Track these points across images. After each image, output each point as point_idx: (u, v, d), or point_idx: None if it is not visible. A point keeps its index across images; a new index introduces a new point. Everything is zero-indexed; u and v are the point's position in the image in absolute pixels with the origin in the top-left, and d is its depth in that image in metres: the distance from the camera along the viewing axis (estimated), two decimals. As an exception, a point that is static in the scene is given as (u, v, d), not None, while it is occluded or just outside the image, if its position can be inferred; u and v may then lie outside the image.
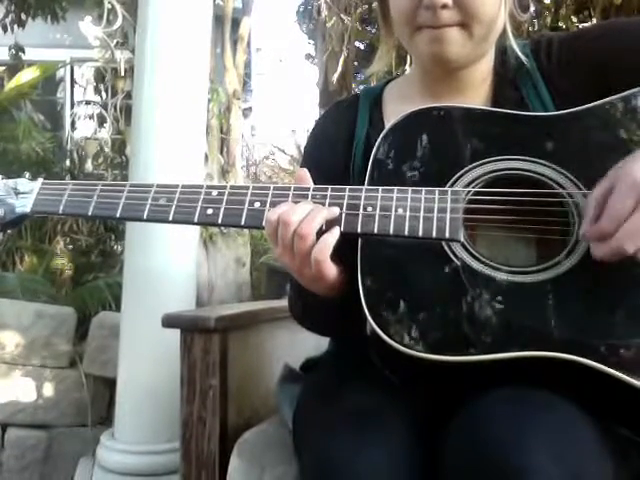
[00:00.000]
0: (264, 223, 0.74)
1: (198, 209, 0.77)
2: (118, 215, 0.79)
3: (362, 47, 4.34)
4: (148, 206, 0.78)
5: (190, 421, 1.07)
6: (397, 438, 0.69)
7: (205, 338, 1.06)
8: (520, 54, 0.85)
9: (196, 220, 0.77)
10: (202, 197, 0.77)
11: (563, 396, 0.64)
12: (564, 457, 0.58)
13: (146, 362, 1.67)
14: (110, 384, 2.04)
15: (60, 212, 0.82)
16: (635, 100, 0.73)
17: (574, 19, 2.64)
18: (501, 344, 0.65)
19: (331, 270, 0.72)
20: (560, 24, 2.59)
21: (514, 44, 0.84)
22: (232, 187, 0.77)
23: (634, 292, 0.66)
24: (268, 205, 0.75)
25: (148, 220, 0.78)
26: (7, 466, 2.07)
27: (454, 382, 0.70)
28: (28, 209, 0.83)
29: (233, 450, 0.98)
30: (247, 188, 0.77)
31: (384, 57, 0.88)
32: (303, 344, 1.15)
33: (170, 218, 0.77)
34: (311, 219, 0.70)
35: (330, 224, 0.72)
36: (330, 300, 0.78)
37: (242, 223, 0.75)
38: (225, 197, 0.76)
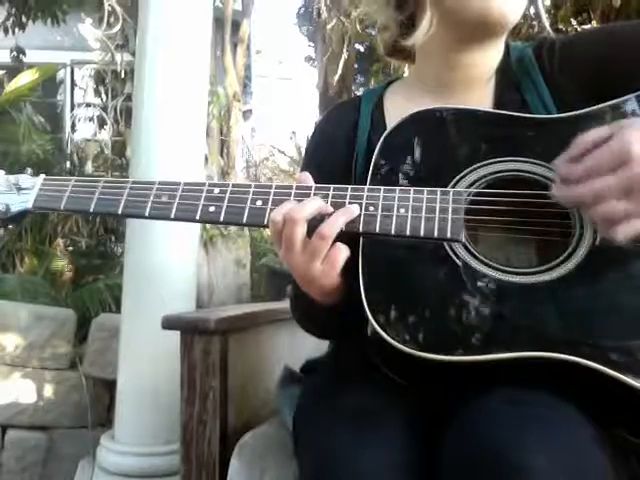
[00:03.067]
0: (266, 221, 0.74)
1: (200, 207, 0.77)
2: (120, 212, 0.79)
3: (362, 49, 4.34)
4: (150, 203, 0.78)
5: (190, 423, 1.06)
6: (397, 439, 0.69)
7: (205, 340, 1.06)
8: (523, 56, 0.85)
9: (198, 218, 0.77)
10: (204, 195, 0.77)
11: (563, 396, 0.64)
12: (563, 457, 0.58)
13: (146, 364, 1.67)
14: (110, 386, 2.05)
15: (62, 208, 0.81)
16: (636, 103, 0.74)
17: (573, 21, 2.64)
18: (501, 344, 0.65)
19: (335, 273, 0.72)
20: (559, 26, 2.59)
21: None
22: (234, 185, 0.77)
23: (634, 294, 0.66)
24: (270, 203, 0.75)
25: (150, 217, 0.78)
26: (7, 467, 2.07)
27: (454, 382, 0.70)
28: (30, 205, 0.82)
29: (233, 452, 0.98)
30: (249, 186, 0.77)
31: (429, 27, 0.85)
32: (303, 346, 1.15)
33: (172, 215, 0.77)
34: (334, 222, 0.71)
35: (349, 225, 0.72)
36: (330, 302, 0.78)
37: (244, 221, 0.75)
38: (227, 195, 0.77)
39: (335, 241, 0.71)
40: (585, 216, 0.67)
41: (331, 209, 0.73)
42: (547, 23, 0.94)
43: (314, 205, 0.72)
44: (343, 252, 0.71)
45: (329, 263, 0.71)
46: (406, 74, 1.10)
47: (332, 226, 0.70)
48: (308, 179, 0.76)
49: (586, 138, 0.65)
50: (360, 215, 0.72)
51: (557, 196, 0.65)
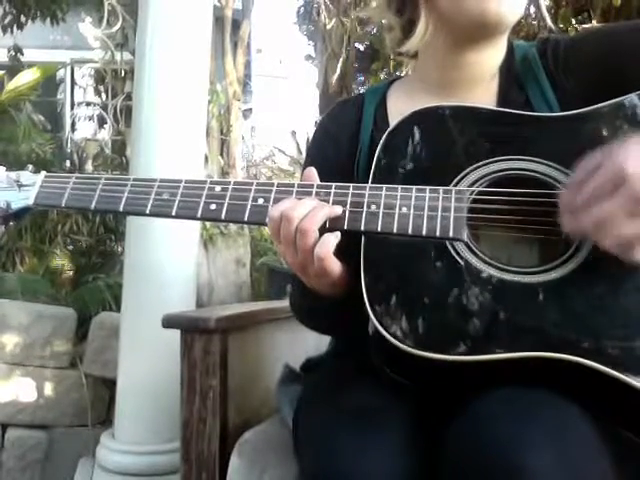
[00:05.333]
0: (267, 219, 0.74)
1: (201, 204, 0.76)
2: (121, 209, 0.79)
3: (362, 48, 4.34)
4: (151, 200, 0.78)
5: (190, 421, 1.06)
6: (398, 438, 0.69)
7: (205, 338, 1.06)
8: (526, 55, 0.85)
9: (199, 215, 0.77)
10: (205, 192, 0.77)
11: (563, 396, 0.64)
12: (564, 457, 0.58)
13: (146, 362, 1.67)
14: (110, 384, 2.04)
15: (63, 205, 0.81)
16: (638, 102, 0.74)
17: (573, 21, 2.64)
18: (502, 344, 0.65)
19: (334, 266, 0.72)
20: (559, 25, 2.59)
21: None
22: (236, 183, 0.77)
23: (635, 294, 0.66)
24: (272, 201, 0.75)
25: (151, 214, 0.78)
26: (7, 466, 2.06)
27: (455, 382, 0.70)
28: (31, 201, 0.82)
29: (233, 450, 0.98)
30: (251, 184, 0.77)
31: (424, 33, 0.86)
32: (303, 344, 1.15)
33: (173, 213, 0.77)
34: (313, 215, 0.71)
35: (333, 222, 0.72)
36: (332, 299, 0.78)
37: (245, 219, 0.75)
38: (229, 193, 0.76)
39: (338, 242, 0.71)
40: (600, 246, 0.65)
41: (328, 207, 0.73)
42: (549, 21, 0.94)
43: (312, 203, 0.72)
44: (330, 242, 0.70)
45: (318, 258, 0.71)
46: (410, 73, 1.09)
47: (311, 220, 0.70)
48: (314, 175, 0.76)
49: (582, 167, 0.64)
50: (362, 213, 0.72)
51: (564, 228, 0.65)
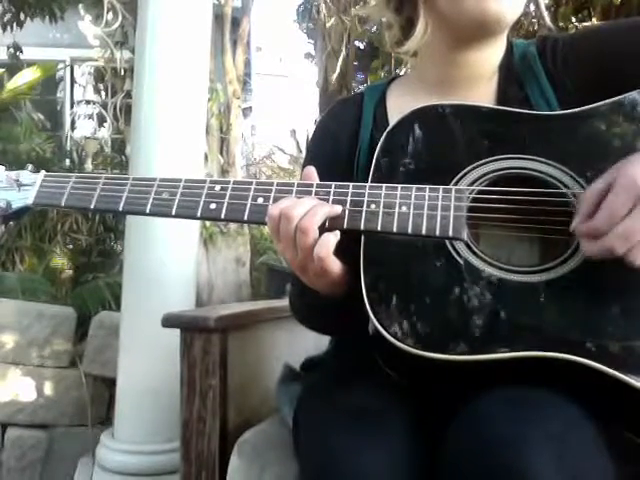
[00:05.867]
0: (266, 218, 0.73)
1: (201, 203, 0.76)
2: (121, 209, 0.79)
3: (362, 46, 4.34)
4: (151, 200, 0.78)
5: (190, 421, 1.06)
6: (397, 438, 0.68)
7: (205, 338, 1.06)
8: (526, 53, 0.85)
9: (199, 215, 0.77)
10: (205, 192, 0.77)
11: (564, 396, 0.64)
12: (564, 457, 0.58)
13: (146, 362, 1.67)
14: (110, 384, 2.05)
15: (62, 205, 0.81)
16: (638, 100, 0.73)
17: (573, 19, 2.63)
18: (502, 344, 0.65)
19: (334, 265, 0.72)
20: (559, 24, 2.59)
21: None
22: (235, 182, 0.77)
23: (635, 294, 0.66)
24: (271, 201, 0.75)
25: (151, 214, 0.78)
26: (7, 466, 2.07)
27: (455, 382, 0.70)
28: (30, 201, 0.82)
29: (233, 450, 0.98)
30: (250, 183, 0.77)
31: (423, 32, 0.86)
32: (303, 344, 1.15)
33: (173, 212, 0.77)
34: (313, 214, 0.70)
35: (333, 221, 0.72)
36: (332, 298, 0.78)
37: (245, 218, 0.75)
38: (228, 192, 0.76)
39: (338, 241, 0.71)
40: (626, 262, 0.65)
41: (328, 206, 0.72)
42: (548, 19, 0.93)
43: (311, 202, 0.72)
44: (330, 242, 0.70)
45: (318, 257, 0.70)
46: (409, 71, 1.09)
47: (311, 219, 0.70)
48: (313, 174, 0.76)
49: (591, 191, 0.65)
50: (362, 212, 0.72)
51: (591, 254, 0.65)
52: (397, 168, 0.76)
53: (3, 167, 0.86)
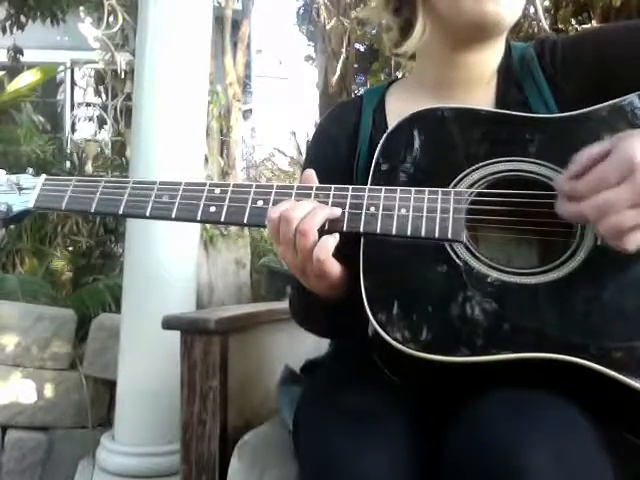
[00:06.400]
0: (266, 221, 0.74)
1: (201, 207, 0.77)
2: (121, 212, 0.79)
3: (362, 49, 4.34)
4: (151, 203, 0.78)
5: (190, 423, 1.06)
6: (397, 440, 0.69)
7: (205, 340, 1.06)
8: (524, 55, 0.85)
9: (199, 218, 0.77)
10: (205, 195, 0.77)
11: (563, 397, 0.64)
12: (564, 458, 0.58)
13: (146, 364, 1.67)
14: (110, 386, 2.05)
15: (63, 208, 0.81)
16: (637, 103, 0.73)
17: (573, 21, 2.64)
18: (503, 345, 0.65)
19: (334, 268, 0.72)
20: (559, 26, 2.59)
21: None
22: (235, 185, 0.77)
23: (635, 294, 0.66)
24: (271, 203, 0.75)
25: (151, 217, 0.78)
26: (7, 468, 2.06)
27: (455, 383, 0.70)
28: (31, 205, 0.83)
29: (233, 452, 0.98)
30: (250, 186, 0.77)
31: (422, 34, 0.85)
32: (303, 346, 1.15)
33: (173, 215, 0.77)
34: (312, 216, 0.71)
35: (333, 224, 0.72)
36: (332, 301, 0.78)
37: (245, 221, 0.75)
38: (228, 195, 0.77)
39: (338, 243, 0.71)
40: (591, 229, 0.66)
41: (327, 208, 0.73)
42: (545, 23, 0.93)
43: (311, 204, 0.72)
44: (329, 244, 0.70)
45: (317, 260, 0.70)
46: (408, 75, 1.09)
47: (310, 221, 0.70)
48: (312, 176, 0.76)
49: (586, 154, 0.64)
50: (361, 215, 0.72)
51: (562, 213, 0.65)
52: (396, 171, 0.77)
53: (4, 171, 0.86)
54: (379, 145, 0.79)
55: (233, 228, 3.09)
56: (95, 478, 1.72)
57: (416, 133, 0.78)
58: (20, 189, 0.83)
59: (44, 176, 0.84)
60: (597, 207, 0.61)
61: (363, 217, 0.72)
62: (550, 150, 0.73)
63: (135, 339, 1.71)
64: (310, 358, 1.04)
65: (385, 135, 0.79)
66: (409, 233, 0.71)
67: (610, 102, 0.74)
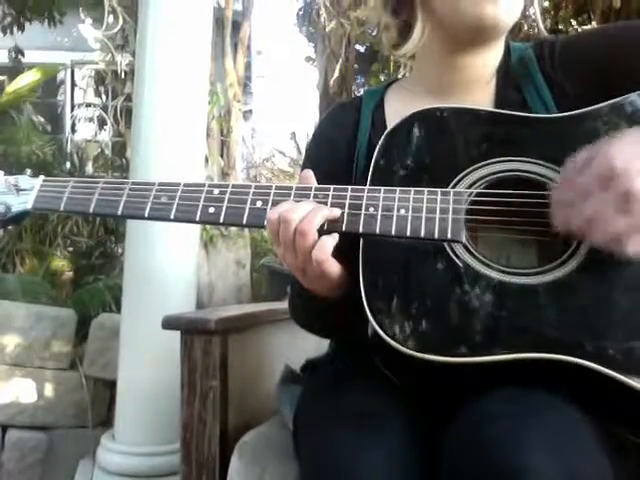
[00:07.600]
0: (266, 222, 0.74)
1: (200, 207, 0.77)
2: (119, 213, 0.79)
3: (362, 50, 4.34)
4: (149, 204, 0.78)
5: (190, 423, 1.07)
6: (397, 439, 0.69)
7: (205, 340, 1.06)
8: (523, 56, 0.86)
9: (198, 219, 0.77)
10: (204, 196, 0.77)
11: (562, 397, 0.64)
12: (563, 457, 0.58)
13: (146, 364, 1.67)
14: (110, 386, 2.05)
15: (61, 209, 0.81)
16: (636, 103, 0.74)
17: (573, 22, 2.64)
18: (502, 345, 0.65)
19: (333, 268, 0.72)
20: (559, 26, 2.59)
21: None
22: (234, 186, 0.77)
23: (634, 295, 0.66)
24: (270, 204, 0.75)
25: (149, 218, 0.78)
26: (7, 468, 2.06)
27: (454, 383, 0.70)
28: (29, 206, 0.82)
29: (233, 452, 0.98)
30: (249, 187, 0.77)
31: (421, 36, 0.85)
32: (303, 346, 1.15)
33: (171, 216, 0.77)
34: (312, 217, 0.71)
35: (332, 224, 0.72)
36: (332, 301, 0.78)
37: (244, 222, 0.75)
38: (227, 196, 0.76)
39: (337, 244, 0.71)
40: (588, 241, 0.66)
41: (326, 208, 0.73)
42: (542, 25, 0.94)
43: (310, 205, 0.72)
44: (328, 245, 0.70)
45: (316, 261, 0.71)
46: (408, 75, 1.09)
47: (310, 222, 0.70)
48: (311, 177, 0.76)
49: (572, 163, 0.65)
50: (360, 215, 0.72)
51: (556, 225, 0.66)
52: (395, 171, 0.77)
53: (2, 172, 0.86)
54: (378, 145, 0.79)
55: (233, 228, 3.09)
56: (95, 478, 1.72)
57: (415, 133, 0.78)
58: (18, 190, 0.83)
59: (42, 177, 0.84)
60: (584, 217, 0.62)
61: (362, 217, 0.72)
62: (549, 150, 0.73)
63: (135, 339, 1.72)
64: (310, 358, 1.04)
65: (384, 135, 0.79)
66: (408, 233, 0.71)
67: (610, 102, 0.74)
